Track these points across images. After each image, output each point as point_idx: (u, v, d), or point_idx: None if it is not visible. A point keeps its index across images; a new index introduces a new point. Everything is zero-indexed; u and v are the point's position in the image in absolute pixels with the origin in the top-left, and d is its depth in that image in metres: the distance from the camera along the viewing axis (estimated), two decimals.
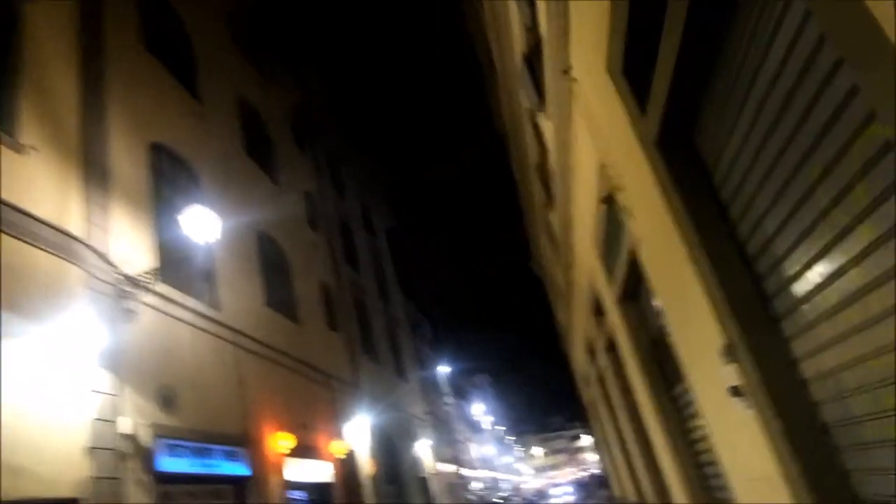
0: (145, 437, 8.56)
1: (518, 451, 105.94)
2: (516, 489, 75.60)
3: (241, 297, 12.86)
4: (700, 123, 3.61)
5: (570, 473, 69.99)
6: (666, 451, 7.40)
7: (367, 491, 17.36)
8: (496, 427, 76.45)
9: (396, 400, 23.13)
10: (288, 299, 15.77)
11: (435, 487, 26.50)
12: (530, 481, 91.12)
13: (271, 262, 15.34)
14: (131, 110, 10.72)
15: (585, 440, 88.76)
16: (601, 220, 7.13)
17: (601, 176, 6.10)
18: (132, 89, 10.94)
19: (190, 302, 10.74)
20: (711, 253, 3.62)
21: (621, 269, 7.05)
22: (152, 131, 11.35)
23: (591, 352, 12.98)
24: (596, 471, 33.71)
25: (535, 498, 55.63)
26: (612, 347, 9.97)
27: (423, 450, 26.06)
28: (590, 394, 17.50)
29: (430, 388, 37.92)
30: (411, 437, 24.68)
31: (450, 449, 38.82)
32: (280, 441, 12.31)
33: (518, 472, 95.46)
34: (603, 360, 11.36)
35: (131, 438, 8.24)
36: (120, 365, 8.35)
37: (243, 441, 11.20)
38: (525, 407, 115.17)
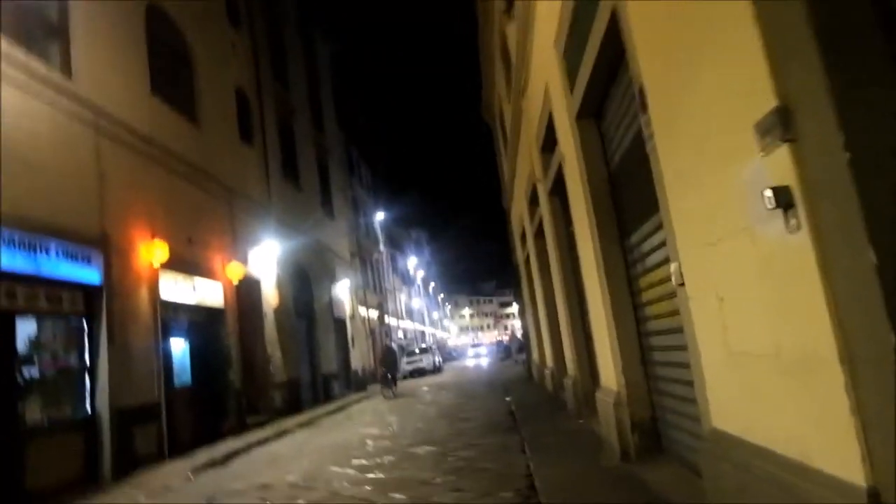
0: None
1: (448, 309, 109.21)
2: (440, 343, 78.33)
3: (111, 74, 10.25)
4: None
5: (495, 337, 72.36)
6: (603, 314, 5.89)
7: (269, 322, 15.98)
8: (428, 283, 77.31)
9: (317, 234, 21.38)
10: (186, 95, 13.16)
11: (352, 330, 25.71)
12: (455, 339, 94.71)
13: (165, 45, 12.52)
14: None
15: (515, 308, 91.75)
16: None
17: None
18: None
19: (22, 56, 8.16)
20: None
21: (586, 70, 5.10)
22: None
23: (533, 198, 11.28)
24: (518, 336, 33.45)
25: (454, 353, 57.38)
26: (558, 189, 8.20)
27: (343, 291, 24.90)
28: (524, 251, 16.12)
29: (362, 232, 36.45)
30: (331, 276, 23.31)
31: (376, 296, 38.25)
32: (153, 250, 10.37)
33: (445, 329, 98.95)
34: (545, 205, 9.67)
35: None
36: None
37: (98, 243, 9.20)
38: (460, 269, 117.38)
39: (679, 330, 3.87)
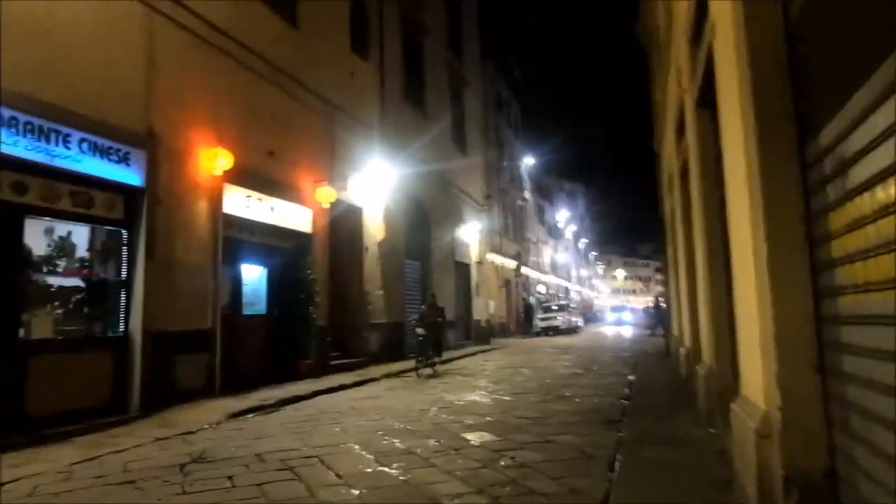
0: None
1: (600, 269, 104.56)
2: (586, 303, 74.71)
3: None
4: None
5: (646, 302, 67.26)
6: (752, 275, 3.31)
7: (371, 257, 14.50)
8: (579, 239, 73.56)
9: (442, 168, 19.52)
10: None
11: (477, 277, 23.88)
12: (605, 300, 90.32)
13: None
14: None
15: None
16: None
17: None
18: None
19: None
20: None
21: None
22: None
23: (680, 127, 8.35)
24: (652, 305, 29.04)
25: (598, 314, 54.01)
26: (707, 97, 5.43)
27: (471, 234, 23.02)
28: (671, 202, 12.98)
29: (505, 176, 34.18)
30: (456, 216, 21.49)
31: (514, 245, 36.09)
32: (215, 157, 9.01)
33: (594, 289, 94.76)
34: (691, 124, 6.84)
35: None
36: None
37: (141, 141, 7.93)
38: (616, 227, 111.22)
39: None
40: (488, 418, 7.12)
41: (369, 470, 4.88)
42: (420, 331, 12.92)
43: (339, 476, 4.73)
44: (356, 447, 5.72)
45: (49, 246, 7.20)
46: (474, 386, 10.44)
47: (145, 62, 8.09)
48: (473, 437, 6.03)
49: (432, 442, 5.88)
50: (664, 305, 19.33)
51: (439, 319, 13.63)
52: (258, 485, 4.54)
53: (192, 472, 5.02)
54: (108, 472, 5.13)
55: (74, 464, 5.48)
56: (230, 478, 4.76)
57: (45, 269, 7.11)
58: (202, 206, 8.99)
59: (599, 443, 5.66)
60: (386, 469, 4.89)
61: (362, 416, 7.52)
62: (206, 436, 6.62)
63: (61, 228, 7.29)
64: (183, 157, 8.66)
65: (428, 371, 12.77)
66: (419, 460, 5.17)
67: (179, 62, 8.70)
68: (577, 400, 8.46)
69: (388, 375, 12.31)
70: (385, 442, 5.93)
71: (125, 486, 4.68)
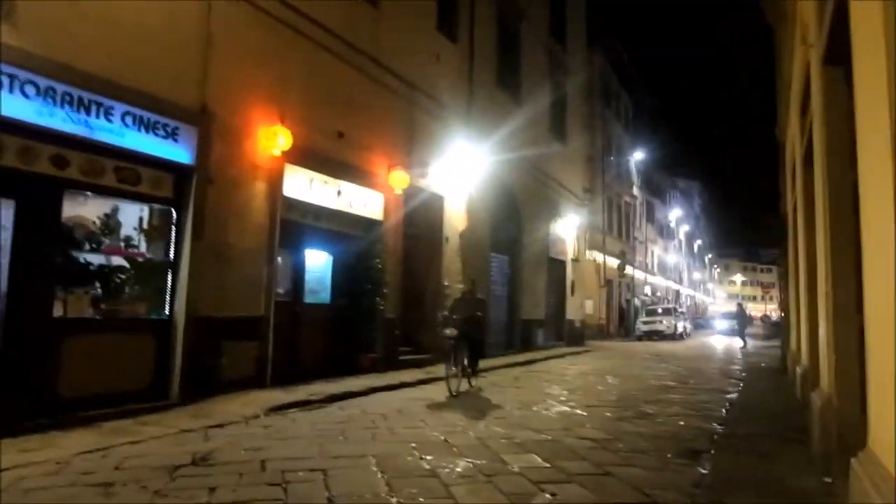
0: None
1: (716, 272, 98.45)
2: (698, 307, 70.20)
3: None
4: None
5: (765, 310, 61.97)
6: (892, 280, 2.12)
7: (451, 248, 13.71)
8: (693, 240, 69.25)
9: (537, 158, 18.37)
10: None
11: (573, 275, 22.50)
12: (719, 305, 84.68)
13: None
14: None
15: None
16: None
17: None
18: None
19: None
20: None
21: None
22: None
23: (805, 101, 6.83)
24: (739, 311, 26.88)
25: (712, 321, 50.30)
26: (836, 50, 4.11)
27: (568, 229, 21.69)
28: (793, 197, 11.16)
29: (611, 170, 32.31)
30: (552, 210, 20.25)
31: (619, 243, 34.12)
32: (275, 138, 8.55)
33: (709, 293, 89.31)
34: (816, 85, 5.41)
35: None
36: None
37: (193, 116, 7.57)
38: (736, 229, 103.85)
39: None
40: (545, 436, 6.09)
41: (369, 496, 4.06)
42: (449, 332, 9.09)
43: (329, 501, 3.95)
44: (374, 462, 4.93)
45: (93, 223, 6.99)
46: (546, 393, 9.38)
47: (201, 35, 7.72)
48: (516, 461, 5.05)
49: (465, 462, 4.97)
50: (746, 311, 17.42)
51: (477, 314, 10.02)
52: (231, 503, 3.86)
53: (180, 476, 4.43)
54: (100, 468, 4.66)
55: (80, 454, 5.09)
56: (212, 489, 4.11)
57: (87, 247, 6.89)
58: (259, 187, 8.57)
59: (671, 483, 4.51)
60: (391, 498, 4.04)
61: (404, 422, 6.74)
62: (230, 432, 6.10)
63: (105, 205, 7.05)
64: (239, 135, 8.26)
65: (464, 385, 9.38)
66: (437, 487, 4.28)
67: (240, 37, 8.29)
68: (659, 420, 7.21)
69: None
70: (410, 458, 5.09)
71: (100, 488, 4.16)
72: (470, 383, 9.66)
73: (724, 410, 7.93)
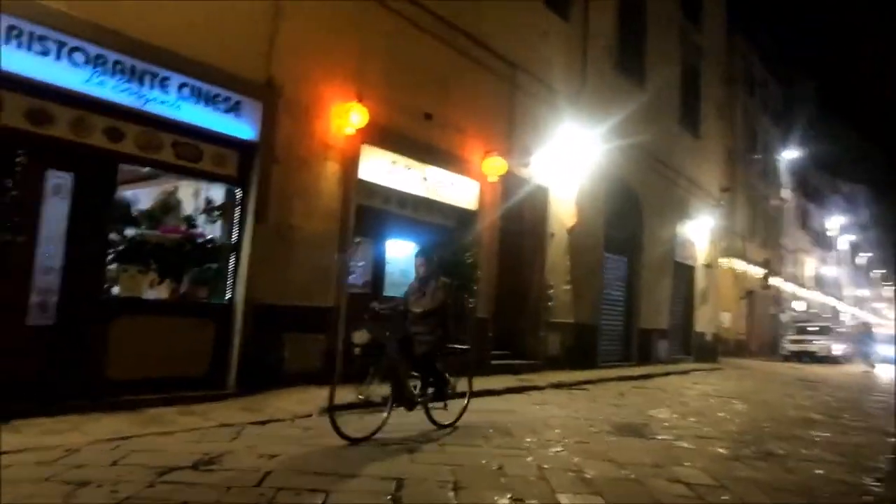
0: None
1: (887, 288, 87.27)
2: (861, 327, 62.14)
3: None
4: None
5: None
6: None
7: (558, 245, 12.48)
8: (857, 252, 61.44)
9: (663, 152, 16.53)
10: None
11: (705, 282, 20.21)
12: (884, 325, 74.71)
13: None
14: None
15: None
16: None
17: None
18: None
19: None
20: None
21: None
22: None
23: None
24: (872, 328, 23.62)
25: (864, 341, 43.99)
26: None
27: (700, 232, 19.50)
28: None
29: (755, 168, 29.06)
30: (680, 209, 18.24)
31: (763, 251, 30.65)
32: (348, 116, 7.92)
33: (875, 312, 79.24)
34: None
35: None
36: None
37: (257, 90, 7.10)
38: None
39: None
40: (625, 472, 4.83)
41: None
42: (357, 337, 5.78)
43: None
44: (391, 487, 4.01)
45: (153, 201, 6.71)
46: (650, 416, 7.94)
47: (269, 4, 7.25)
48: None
49: (504, 502, 3.91)
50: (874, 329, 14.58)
51: (432, 308, 5.86)
52: None
53: (161, 482, 3.78)
54: (97, 462, 4.16)
55: (96, 442, 4.68)
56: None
57: (145, 225, 6.62)
58: (331, 168, 7.97)
59: None
60: None
61: (459, 440, 5.75)
62: (268, 431, 5.49)
63: (165, 182, 6.76)
64: (309, 112, 7.71)
65: (426, 419, 5.97)
66: None
67: (313, 5, 7.75)
68: (789, 464, 5.62)
69: (559, 385, 10.28)
70: (440, 490, 4.12)
71: (70, 487, 3.60)
72: (433, 420, 6.00)
73: (882, 462, 6.14)
